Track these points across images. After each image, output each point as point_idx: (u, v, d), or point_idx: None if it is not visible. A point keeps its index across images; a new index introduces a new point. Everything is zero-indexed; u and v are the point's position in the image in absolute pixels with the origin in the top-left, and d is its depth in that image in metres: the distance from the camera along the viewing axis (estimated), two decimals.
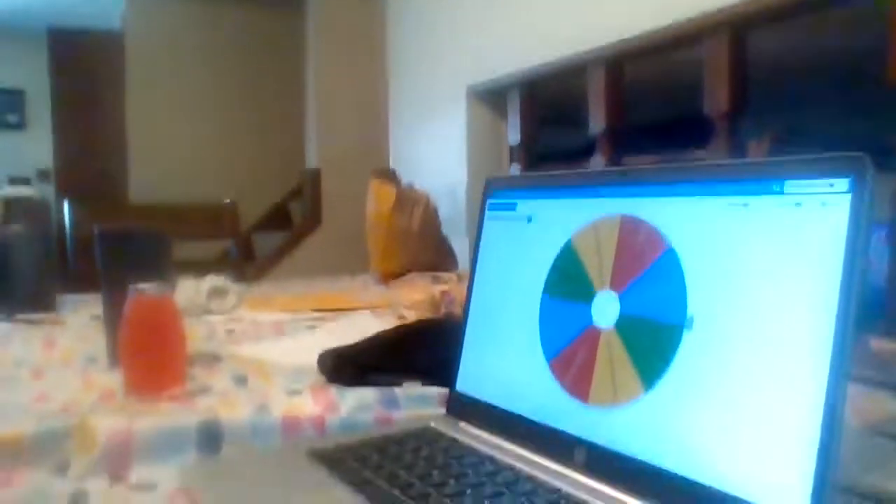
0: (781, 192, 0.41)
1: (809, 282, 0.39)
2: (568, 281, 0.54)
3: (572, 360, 0.52)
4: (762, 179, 0.43)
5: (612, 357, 0.49)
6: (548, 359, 0.54)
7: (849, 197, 0.38)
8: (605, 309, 0.50)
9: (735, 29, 1.35)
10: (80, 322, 1.14)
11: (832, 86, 1.87)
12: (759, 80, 1.41)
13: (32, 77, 5.63)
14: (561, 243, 0.56)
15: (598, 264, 0.52)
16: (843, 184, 0.38)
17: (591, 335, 0.51)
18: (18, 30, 5.46)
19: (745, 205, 0.43)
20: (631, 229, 0.50)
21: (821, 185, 0.39)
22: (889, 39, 1.06)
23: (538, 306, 0.56)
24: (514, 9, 1.99)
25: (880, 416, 0.61)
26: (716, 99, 1.39)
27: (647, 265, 0.48)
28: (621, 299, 0.49)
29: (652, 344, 0.46)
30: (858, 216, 0.37)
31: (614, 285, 0.50)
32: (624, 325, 0.49)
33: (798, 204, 0.40)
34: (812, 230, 0.39)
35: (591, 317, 0.51)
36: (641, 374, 0.46)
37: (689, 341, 0.44)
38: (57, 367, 0.83)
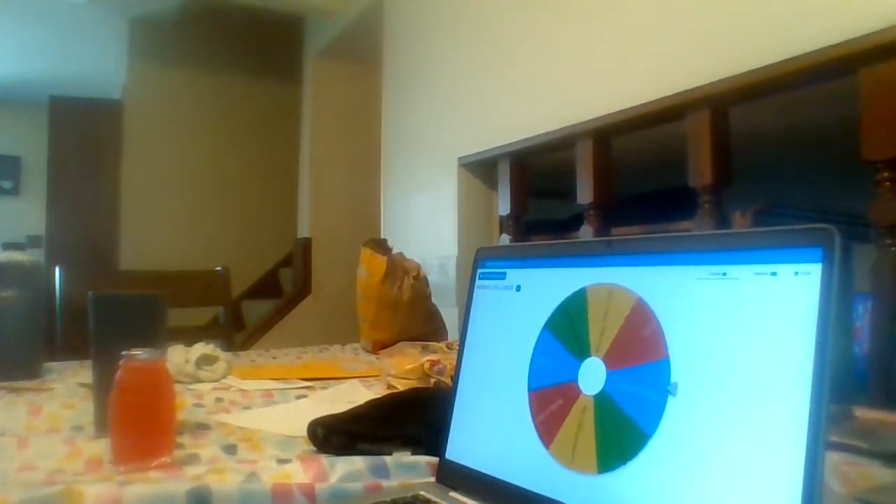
0: (757, 262, 0.43)
1: (785, 348, 0.40)
2: (555, 351, 0.55)
3: (562, 430, 0.52)
4: (739, 250, 0.45)
5: (601, 423, 0.49)
6: (538, 430, 0.54)
7: (819, 266, 0.40)
8: (592, 376, 0.51)
9: (715, 104, 1.41)
10: (66, 389, 1.13)
11: (813, 160, 1.92)
12: (743, 154, 1.45)
13: (30, 144, 5.72)
14: (548, 312, 0.57)
15: (583, 333, 0.53)
16: (813, 254, 0.40)
17: (579, 404, 0.51)
18: (20, 98, 5.59)
19: (724, 274, 0.45)
20: (615, 298, 0.52)
21: (793, 255, 0.41)
22: (861, 119, 1.10)
23: (527, 376, 0.57)
24: (504, 84, 2.06)
25: (867, 485, 0.61)
26: (700, 171, 1.43)
27: (631, 332, 0.49)
28: (607, 366, 0.50)
29: (638, 410, 0.47)
30: (829, 285, 0.39)
31: (600, 353, 0.51)
32: (611, 392, 0.49)
33: (773, 273, 0.42)
34: (787, 298, 0.41)
35: (578, 385, 0.52)
36: (630, 439, 0.47)
37: (673, 407, 0.45)
38: (42, 436, 0.82)
